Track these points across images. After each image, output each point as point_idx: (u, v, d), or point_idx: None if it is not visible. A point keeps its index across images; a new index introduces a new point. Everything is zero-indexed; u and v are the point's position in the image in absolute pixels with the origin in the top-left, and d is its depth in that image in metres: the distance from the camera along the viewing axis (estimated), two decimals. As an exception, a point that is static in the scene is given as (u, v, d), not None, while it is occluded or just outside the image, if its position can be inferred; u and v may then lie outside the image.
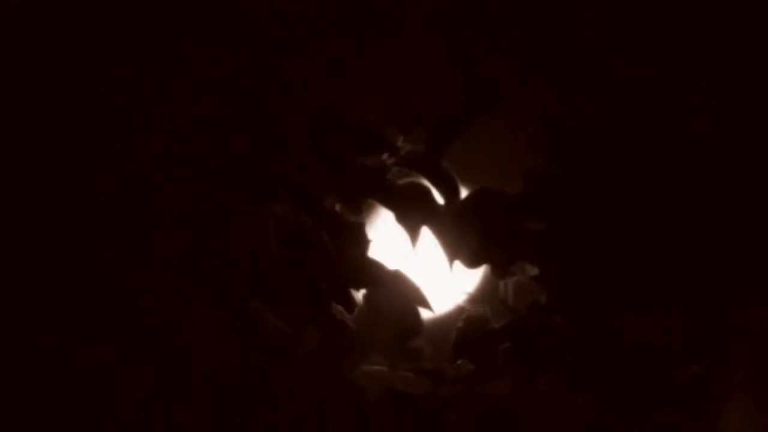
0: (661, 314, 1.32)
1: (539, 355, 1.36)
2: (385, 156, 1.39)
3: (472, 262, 1.38)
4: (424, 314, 1.40)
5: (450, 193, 1.38)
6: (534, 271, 1.38)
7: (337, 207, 1.39)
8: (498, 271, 1.39)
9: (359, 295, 1.39)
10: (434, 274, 1.40)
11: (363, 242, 1.38)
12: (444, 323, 1.40)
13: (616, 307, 1.34)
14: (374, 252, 1.39)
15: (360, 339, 1.39)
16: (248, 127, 1.35)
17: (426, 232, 1.37)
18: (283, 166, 1.36)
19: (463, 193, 1.39)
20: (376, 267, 1.38)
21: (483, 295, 1.42)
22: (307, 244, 1.38)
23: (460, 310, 1.42)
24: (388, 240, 1.41)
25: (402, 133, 1.40)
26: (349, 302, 1.39)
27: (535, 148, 1.37)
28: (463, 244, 1.36)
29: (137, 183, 1.30)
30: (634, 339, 1.32)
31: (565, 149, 1.38)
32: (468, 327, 1.40)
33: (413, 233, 1.37)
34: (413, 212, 1.37)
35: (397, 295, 1.38)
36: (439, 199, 1.38)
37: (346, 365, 1.38)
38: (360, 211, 1.39)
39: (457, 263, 1.37)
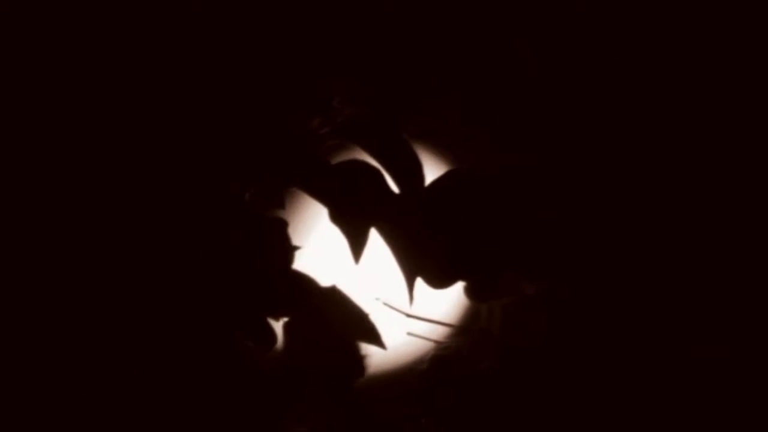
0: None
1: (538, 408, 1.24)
2: (315, 122, 1.25)
3: (441, 279, 1.24)
4: (372, 352, 1.25)
5: (410, 177, 1.24)
6: (531, 289, 1.25)
7: (248, 197, 1.25)
8: (478, 292, 1.25)
9: (278, 325, 1.24)
10: (386, 294, 1.27)
11: (284, 248, 1.24)
12: (400, 365, 1.28)
13: (637, 333, 1.25)
14: (300, 263, 1.25)
15: (279, 388, 1.25)
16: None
17: (374, 236, 1.23)
18: (174, 139, 1.25)
19: (429, 177, 1.24)
20: (302, 284, 1.24)
21: (457, 325, 1.29)
22: (205, 252, 1.23)
23: (423, 347, 1.29)
24: (320, 246, 1.28)
25: (340, 88, 1.27)
26: (265, 335, 1.23)
27: (536, 110, 1.27)
28: (429, 253, 1.23)
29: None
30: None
31: (580, 108, 1.28)
32: (435, 370, 1.27)
33: (356, 236, 1.22)
34: (356, 206, 1.23)
35: (332, 324, 1.24)
36: (394, 187, 1.24)
37: (258, 426, 1.24)
38: (281, 203, 1.24)
39: (419, 280, 1.23)
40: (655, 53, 1.29)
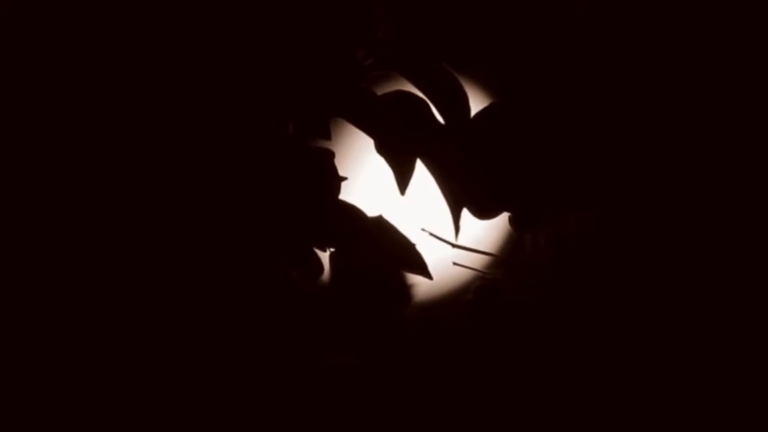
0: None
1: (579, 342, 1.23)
2: (360, 53, 1.24)
3: (487, 209, 1.23)
4: (418, 282, 1.25)
5: (455, 108, 1.22)
6: (587, 222, 1.25)
7: (293, 127, 1.24)
8: (523, 222, 1.24)
9: (325, 255, 1.23)
10: (432, 224, 1.26)
11: (331, 179, 1.23)
12: (445, 295, 1.27)
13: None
14: (347, 193, 1.24)
15: (324, 318, 1.25)
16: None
17: (420, 166, 1.22)
18: (218, 70, 1.23)
19: (474, 108, 1.22)
20: (349, 214, 1.23)
21: (502, 256, 1.28)
22: (252, 183, 1.23)
23: (469, 277, 1.27)
24: (366, 176, 1.27)
25: (384, 16, 1.25)
26: (311, 265, 1.23)
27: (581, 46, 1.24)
28: (474, 183, 1.22)
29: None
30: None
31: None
32: (480, 301, 1.26)
33: (402, 167, 1.21)
34: (401, 136, 1.22)
35: (378, 254, 1.23)
36: (439, 118, 1.22)
37: (305, 355, 1.24)
38: (326, 134, 1.23)
39: (465, 211, 1.22)
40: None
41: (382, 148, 1.21)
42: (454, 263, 1.25)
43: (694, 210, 1.24)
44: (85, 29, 1.23)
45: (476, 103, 1.23)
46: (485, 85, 1.25)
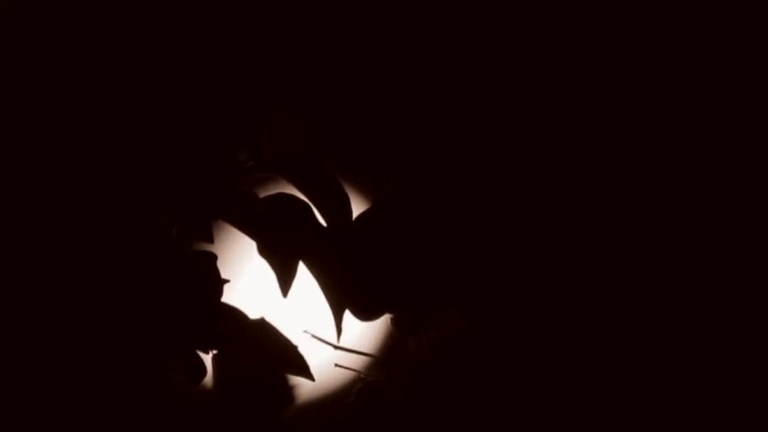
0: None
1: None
2: (242, 156, 1.23)
3: (368, 311, 1.23)
4: (300, 383, 1.24)
5: (337, 210, 1.23)
6: (463, 324, 1.24)
7: (176, 230, 1.22)
8: (405, 324, 1.24)
9: (208, 358, 1.22)
10: (314, 326, 1.26)
11: (213, 282, 1.22)
12: (328, 396, 1.26)
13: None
14: (229, 296, 1.22)
15: (207, 420, 1.22)
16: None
17: (302, 269, 1.21)
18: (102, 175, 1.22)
19: (356, 210, 1.23)
20: (231, 317, 1.22)
21: (384, 358, 1.27)
22: (134, 286, 1.20)
23: (351, 379, 1.27)
24: (248, 279, 1.27)
25: (266, 122, 1.26)
26: (195, 367, 1.21)
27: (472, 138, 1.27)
28: (356, 285, 1.22)
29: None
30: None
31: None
32: (362, 402, 1.25)
33: (284, 269, 1.20)
34: (283, 239, 1.21)
35: (261, 356, 1.22)
36: (321, 220, 1.23)
37: None
38: (209, 237, 1.22)
39: (348, 313, 1.22)
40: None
41: (264, 251, 1.20)
42: (336, 365, 1.24)
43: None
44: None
45: (358, 206, 1.23)
46: (367, 188, 1.25)
